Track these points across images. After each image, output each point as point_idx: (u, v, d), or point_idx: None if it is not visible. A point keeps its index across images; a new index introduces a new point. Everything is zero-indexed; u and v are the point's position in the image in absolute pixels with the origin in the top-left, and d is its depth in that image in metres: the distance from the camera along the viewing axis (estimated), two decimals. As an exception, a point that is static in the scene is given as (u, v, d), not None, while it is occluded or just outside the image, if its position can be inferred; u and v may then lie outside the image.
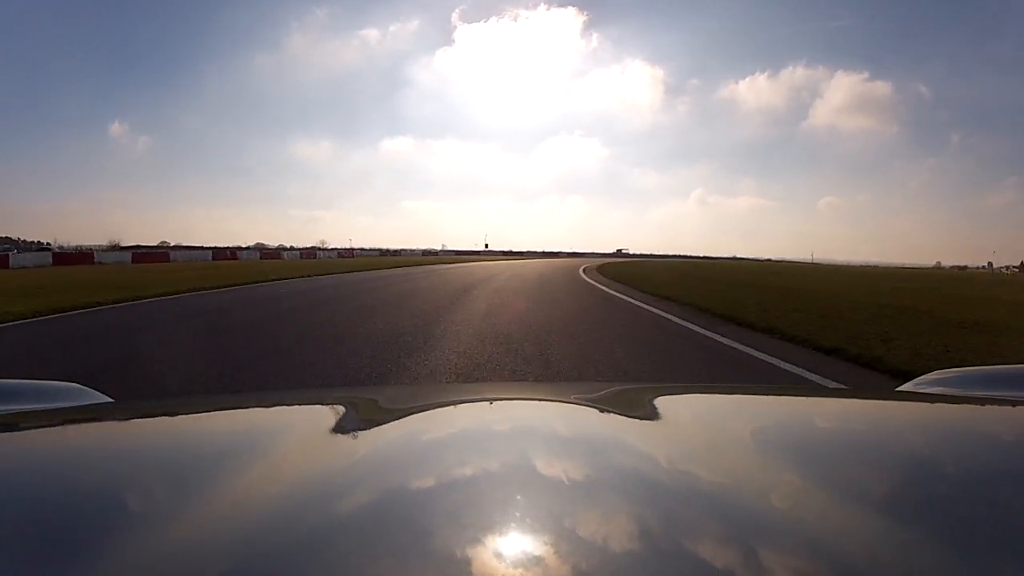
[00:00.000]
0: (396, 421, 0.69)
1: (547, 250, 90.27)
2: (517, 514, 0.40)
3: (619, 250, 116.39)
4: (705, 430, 0.65)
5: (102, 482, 0.49)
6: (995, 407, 0.76)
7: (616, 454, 0.56)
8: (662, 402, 0.79)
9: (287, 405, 0.87)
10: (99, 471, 0.53)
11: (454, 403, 0.80)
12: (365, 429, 0.66)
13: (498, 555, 0.34)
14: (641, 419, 0.69)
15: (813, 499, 0.44)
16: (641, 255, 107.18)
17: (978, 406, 0.78)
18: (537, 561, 0.34)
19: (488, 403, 0.82)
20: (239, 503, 0.42)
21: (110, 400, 0.92)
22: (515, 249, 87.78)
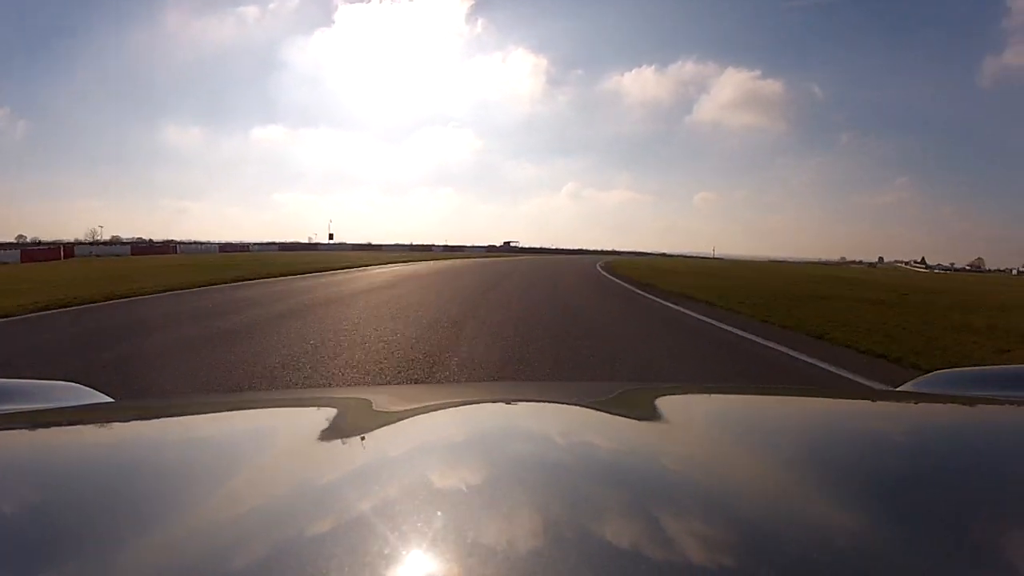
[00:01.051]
0: (395, 422, 0.69)
1: (417, 243, 75.89)
2: (516, 515, 0.40)
3: (507, 243, 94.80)
4: (706, 430, 0.65)
5: (102, 482, 0.50)
6: (995, 407, 0.76)
7: (616, 455, 0.56)
8: (662, 402, 0.78)
9: (287, 405, 0.87)
10: (99, 471, 0.53)
11: (453, 404, 0.80)
12: (365, 429, 0.66)
13: (498, 556, 0.34)
14: (642, 420, 0.69)
15: (813, 499, 0.44)
16: (534, 248, 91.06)
17: (978, 406, 0.78)
18: (537, 562, 0.34)
19: (488, 404, 0.81)
20: (239, 503, 0.42)
21: (110, 400, 0.92)
22: (383, 243, 73.13)
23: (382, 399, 0.91)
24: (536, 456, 0.55)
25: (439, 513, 0.39)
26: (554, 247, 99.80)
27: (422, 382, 4.08)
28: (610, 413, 0.74)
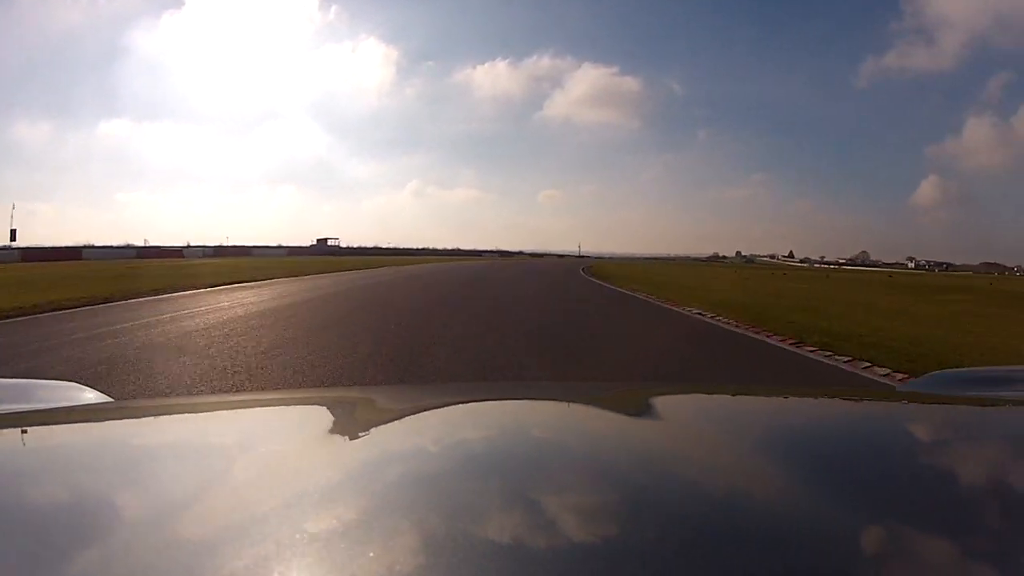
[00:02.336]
0: (394, 422, 0.70)
1: (259, 245, 63.85)
2: (516, 514, 0.40)
3: (321, 240, 77.72)
4: (705, 430, 0.65)
5: (102, 481, 0.50)
6: (995, 407, 0.76)
7: (615, 455, 0.56)
8: (661, 402, 0.79)
9: (286, 405, 0.87)
10: (99, 471, 0.54)
11: (451, 404, 0.80)
12: (364, 429, 0.66)
13: (497, 555, 0.34)
14: (641, 420, 0.69)
15: (813, 498, 0.44)
16: (366, 249, 77.91)
17: (978, 406, 0.78)
18: (537, 561, 0.34)
19: (487, 404, 0.81)
20: (238, 502, 0.43)
21: (110, 400, 0.92)
22: (232, 243, 61.40)
23: (381, 399, 0.92)
24: (535, 456, 0.55)
25: (438, 513, 0.40)
26: (392, 247, 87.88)
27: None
28: (609, 413, 0.75)
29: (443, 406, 0.78)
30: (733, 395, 0.97)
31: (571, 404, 0.79)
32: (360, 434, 0.64)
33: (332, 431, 0.63)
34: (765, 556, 0.35)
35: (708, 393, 1.02)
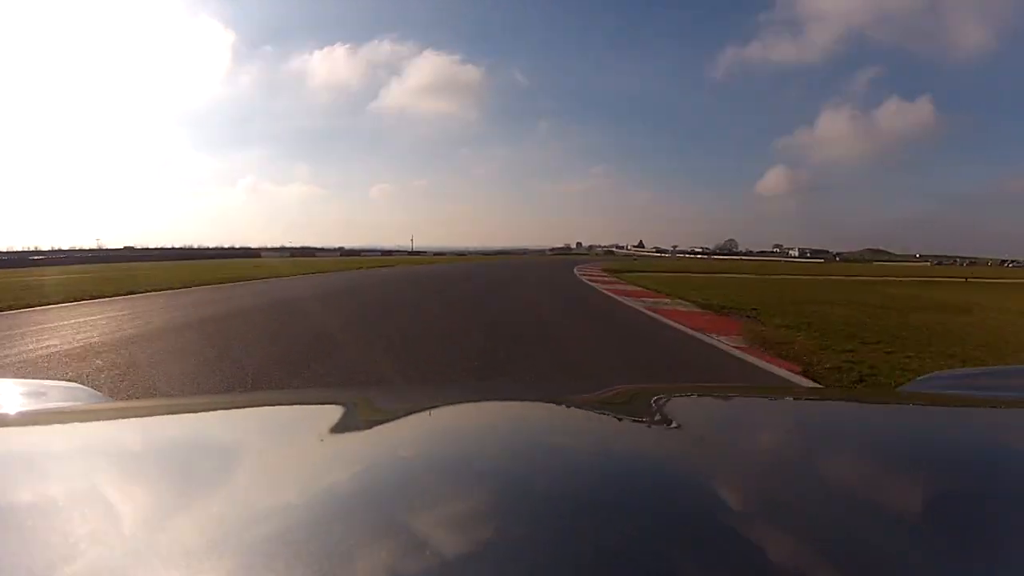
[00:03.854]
0: (393, 422, 0.70)
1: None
2: (514, 515, 0.40)
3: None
4: (703, 431, 0.65)
5: (102, 482, 0.50)
6: (995, 407, 0.76)
7: (614, 455, 0.56)
8: (658, 403, 0.78)
9: (286, 405, 0.87)
10: (99, 471, 0.54)
11: (450, 404, 0.80)
12: (365, 429, 0.66)
13: (496, 555, 0.35)
14: (641, 420, 0.69)
15: (813, 499, 0.44)
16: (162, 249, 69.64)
17: (977, 406, 0.78)
18: (536, 561, 0.34)
19: (485, 405, 0.81)
20: (238, 502, 0.43)
21: (110, 400, 0.94)
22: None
23: (381, 399, 0.92)
24: (534, 457, 0.55)
25: (437, 513, 0.40)
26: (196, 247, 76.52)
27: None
28: (609, 413, 0.75)
29: (442, 406, 0.78)
30: (732, 395, 0.98)
31: (571, 405, 0.79)
32: (359, 434, 0.64)
33: (332, 431, 0.63)
34: (765, 557, 0.36)
35: (707, 393, 1.02)
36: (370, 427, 0.66)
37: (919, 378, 1.02)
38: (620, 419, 0.72)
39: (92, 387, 1.03)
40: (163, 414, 0.82)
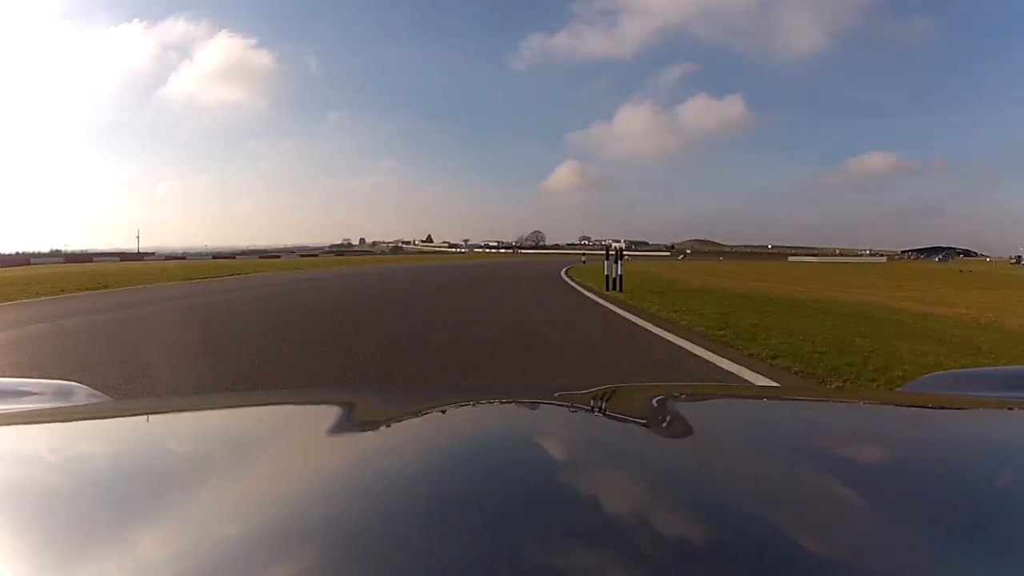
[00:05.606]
0: (389, 422, 0.70)
1: None
2: (513, 515, 0.40)
3: None
4: (702, 431, 0.65)
5: (101, 481, 0.50)
6: (995, 407, 0.76)
7: (610, 455, 0.56)
8: (657, 403, 0.78)
9: (286, 404, 0.87)
10: (98, 470, 0.54)
11: (448, 405, 0.80)
12: (362, 429, 0.66)
13: (495, 555, 0.35)
14: (636, 420, 0.69)
15: (810, 500, 0.44)
16: None
17: (977, 407, 0.78)
18: (535, 563, 0.34)
19: (484, 405, 0.81)
20: (238, 502, 0.43)
21: (110, 400, 0.93)
22: None
23: (382, 399, 0.92)
24: (533, 457, 0.55)
25: (436, 514, 0.40)
26: None
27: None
28: (609, 413, 0.74)
29: (441, 407, 0.78)
30: (730, 395, 0.97)
31: (567, 404, 0.78)
32: (357, 434, 0.64)
33: (331, 431, 0.63)
34: (764, 557, 0.35)
35: (705, 393, 1.00)
36: (367, 427, 0.66)
37: (919, 379, 1.02)
38: (618, 419, 0.71)
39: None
40: (162, 413, 0.83)
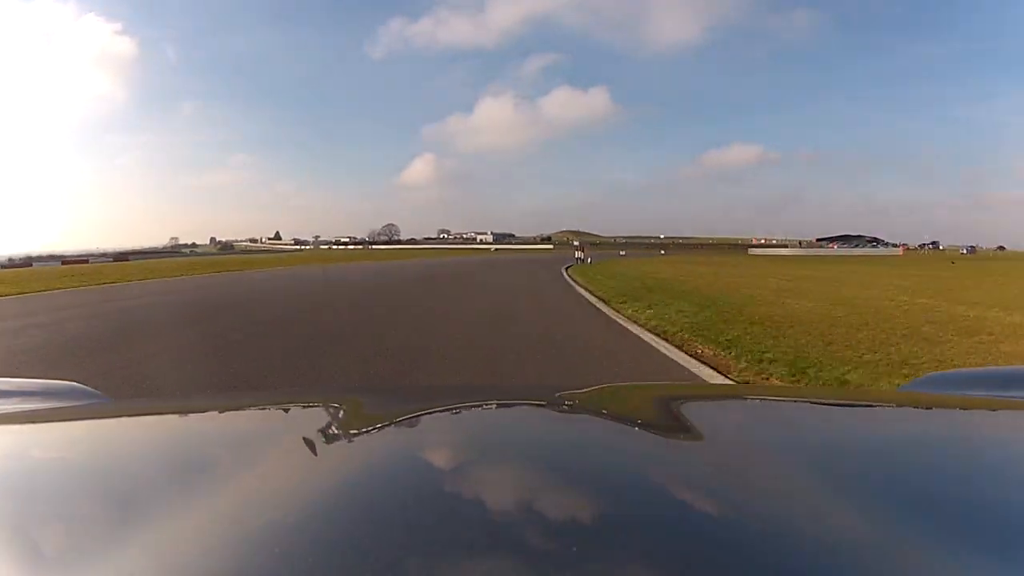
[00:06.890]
0: (387, 423, 0.70)
1: None
2: (511, 516, 0.40)
3: None
4: (703, 431, 0.65)
5: (101, 481, 0.50)
6: (995, 407, 0.76)
7: (610, 455, 0.56)
8: (655, 403, 0.78)
9: (285, 405, 0.87)
10: (98, 470, 0.54)
11: (449, 406, 0.80)
12: (361, 430, 0.67)
13: (493, 555, 0.35)
14: (635, 420, 0.69)
15: (810, 500, 0.44)
16: None
17: (979, 407, 0.78)
18: (535, 564, 0.34)
19: (482, 406, 0.81)
20: (237, 502, 0.43)
21: (110, 400, 0.93)
22: None
23: (379, 401, 0.93)
24: (533, 458, 0.55)
25: (434, 515, 0.40)
26: None
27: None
28: (609, 414, 0.74)
29: (442, 408, 0.78)
30: (729, 395, 0.97)
31: (563, 404, 0.79)
32: (356, 435, 0.64)
33: (331, 432, 0.64)
34: (764, 557, 0.36)
35: (703, 392, 1.02)
36: (366, 429, 0.66)
37: (919, 379, 1.03)
38: (618, 419, 0.71)
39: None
40: (162, 414, 0.83)
